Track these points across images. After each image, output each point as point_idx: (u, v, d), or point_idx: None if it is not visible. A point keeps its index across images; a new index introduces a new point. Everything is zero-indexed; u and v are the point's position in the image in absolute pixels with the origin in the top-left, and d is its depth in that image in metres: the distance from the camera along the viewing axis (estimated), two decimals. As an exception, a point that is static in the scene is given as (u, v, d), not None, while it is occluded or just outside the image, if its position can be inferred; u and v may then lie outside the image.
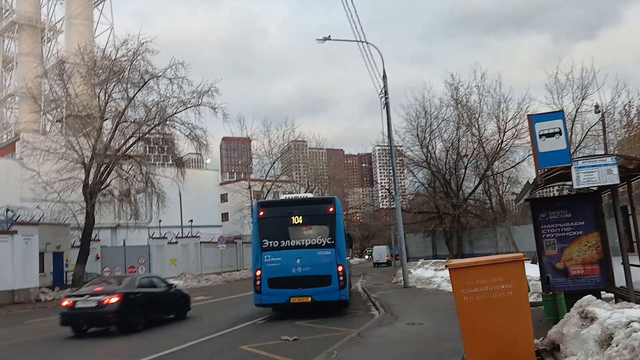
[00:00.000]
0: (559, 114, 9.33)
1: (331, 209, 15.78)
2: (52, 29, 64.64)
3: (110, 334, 13.87)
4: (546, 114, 9.88)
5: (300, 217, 15.76)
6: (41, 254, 28.37)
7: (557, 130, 8.70)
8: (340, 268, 15.05)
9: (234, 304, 20.23)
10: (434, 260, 32.90)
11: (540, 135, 8.79)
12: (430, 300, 17.31)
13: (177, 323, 15.59)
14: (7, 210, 26.97)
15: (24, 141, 33.44)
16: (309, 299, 14.95)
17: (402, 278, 25.05)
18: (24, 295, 25.73)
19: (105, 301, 13.46)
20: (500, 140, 36.23)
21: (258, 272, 15.29)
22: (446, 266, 7.00)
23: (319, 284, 14.92)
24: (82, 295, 13.99)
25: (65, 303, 13.94)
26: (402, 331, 11.17)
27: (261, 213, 16.01)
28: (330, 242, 15.37)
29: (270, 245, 15.47)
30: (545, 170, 8.82)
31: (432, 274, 25.70)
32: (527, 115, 9.12)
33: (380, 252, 64.04)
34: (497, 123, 36.01)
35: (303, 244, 15.46)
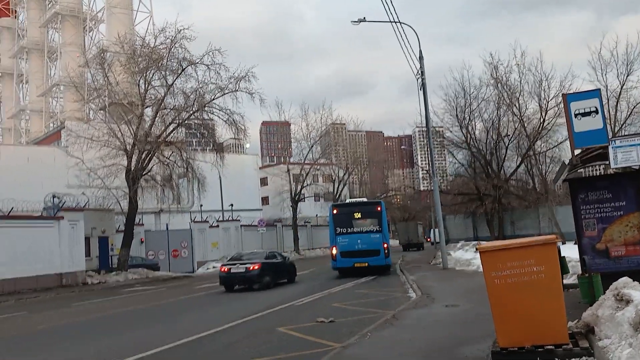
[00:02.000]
0: (595, 93, 9.02)
1: (379, 208, 25.23)
2: (94, 19, 66.07)
3: (247, 290, 19.53)
4: (582, 92, 9.58)
5: (360, 213, 24.99)
6: (87, 239, 29.32)
7: (594, 109, 8.45)
8: (385, 245, 24.12)
9: (272, 286, 20.50)
10: (474, 242, 32.49)
11: (576, 115, 8.56)
12: (468, 282, 17.16)
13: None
14: (54, 196, 27.82)
15: (68, 129, 34.45)
16: (366, 264, 23.60)
17: (441, 260, 24.92)
18: (72, 279, 26.69)
19: (251, 268, 19.77)
20: (542, 119, 35.39)
21: (334, 249, 24.35)
22: (477, 249, 6.93)
23: (372, 255, 23.79)
24: (234, 264, 20.20)
25: (223, 269, 20.36)
26: (437, 313, 11.14)
27: (335, 211, 25.47)
28: (378, 229, 24.38)
29: (341, 231, 24.49)
30: (582, 150, 8.58)
31: (472, 256, 25.38)
32: (562, 94, 8.90)
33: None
34: (539, 102, 35.16)
35: (361, 230, 24.45)
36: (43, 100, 68.52)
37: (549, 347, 6.34)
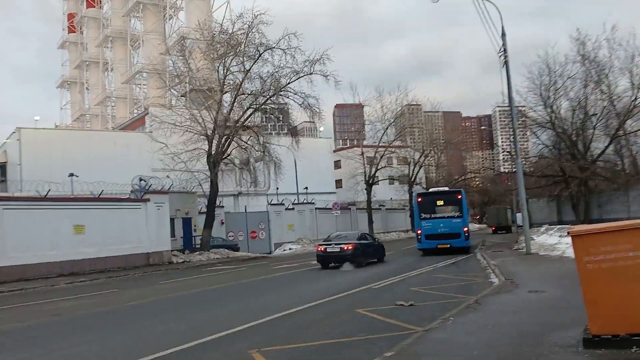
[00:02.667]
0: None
1: (459, 196, 27.89)
2: (173, 7, 68.12)
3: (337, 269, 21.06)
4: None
5: (442, 201, 27.89)
6: (172, 220, 30.53)
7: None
8: (465, 228, 26.99)
9: (348, 269, 20.60)
10: (558, 226, 31.13)
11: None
12: (554, 268, 16.51)
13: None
14: (140, 179, 29.06)
15: (152, 115, 35.87)
16: (449, 245, 26.47)
17: (524, 245, 24.09)
18: (158, 258, 27.97)
19: (345, 247, 21.44)
20: (634, 97, 33.27)
21: (419, 231, 27.40)
22: (568, 233, 6.61)
23: (454, 237, 26.65)
24: (330, 244, 22.19)
25: (319, 249, 22.33)
26: (522, 299, 10.78)
27: (419, 199, 28.53)
28: (459, 215, 27.16)
29: (425, 216, 27.38)
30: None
31: (557, 240, 24.40)
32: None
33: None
34: (631, 78, 33.03)
35: (444, 215, 27.24)
36: (127, 87, 71.70)
37: (646, 336, 5.99)
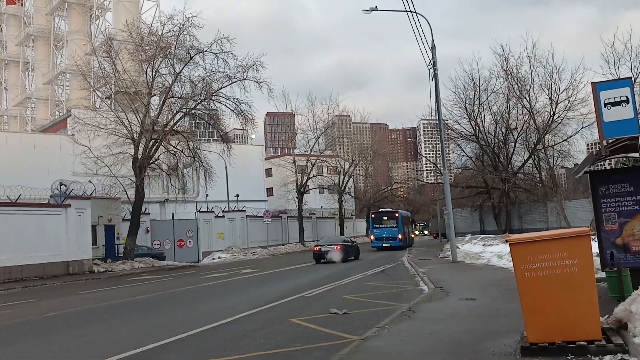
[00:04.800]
0: (626, 81, 8.71)
1: (396, 214, 43.89)
2: (100, 7, 65.81)
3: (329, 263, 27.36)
4: (612, 81, 9.30)
5: (386, 216, 43.57)
6: (93, 227, 29.13)
7: (624, 98, 8.16)
8: (399, 235, 42.30)
9: (280, 278, 20.33)
10: (482, 236, 32.24)
11: (606, 104, 8.27)
12: (481, 276, 16.96)
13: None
14: (61, 184, 27.65)
15: (75, 117, 34.19)
16: (389, 244, 41.32)
17: (449, 253, 24.72)
18: (78, 267, 26.58)
19: (335, 248, 28.69)
20: (552, 113, 35.09)
21: (372, 235, 44.28)
22: (506, 241, 6.68)
23: (393, 240, 41.89)
24: (323, 245, 29.39)
25: (316, 248, 29.54)
26: (455, 306, 10.91)
27: (373, 215, 45.70)
28: (396, 226, 42.65)
29: (375, 226, 43.64)
30: (611, 141, 8.31)
31: (481, 249, 25.22)
32: (592, 82, 8.56)
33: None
34: (549, 94, 34.89)
35: (386, 226, 42.89)
36: (49, 88, 68.37)
37: (581, 343, 6.12)
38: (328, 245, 29.21)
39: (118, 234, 32.32)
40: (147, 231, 36.21)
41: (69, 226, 26.46)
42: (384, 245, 41.52)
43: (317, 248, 29.36)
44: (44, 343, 9.24)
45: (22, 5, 75.48)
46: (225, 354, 7.77)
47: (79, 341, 9.28)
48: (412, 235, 54.02)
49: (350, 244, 30.92)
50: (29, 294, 18.63)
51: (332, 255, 28.08)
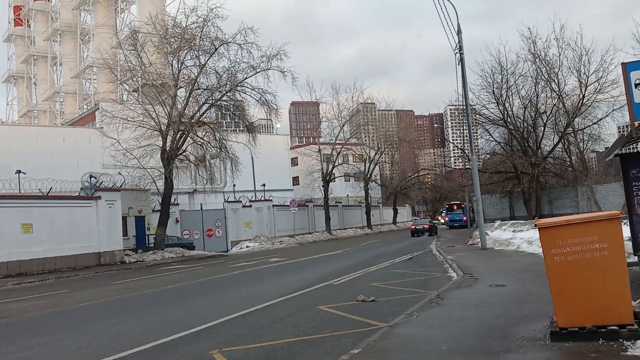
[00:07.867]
0: (658, 60, 8.47)
1: (463, 205, 61.91)
2: (125, 0, 66.35)
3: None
4: (644, 60, 9.03)
5: (455, 206, 64.35)
6: (124, 218, 29.62)
7: (656, 78, 7.93)
8: (464, 217, 59.37)
9: (307, 266, 20.44)
10: (511, 222, 31.84)
11: (637, 85, 8.06)
12: (511, 262, 16.78)
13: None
14: (91, 176, 28.13)
15: (103, 110, 34.82)
16: (458, 224, 59.21)
17: (478, 240, 24.49)
18: (110, 257, 27.12)
19: (425, 226, 44.87)
20: (581, 96, 34.36)
21: (447, 217, 65.23)
22: (535, 225, 6.60)
23: (460, 221, 59.78)
24: (417, 225, 45.86)
25: (412, 227, 45.66)
26: (484, 293, 10.84)
27: (446, 205, 69.00)
28: (462, 212, 61.13)
29: (448, 212, 65.06)
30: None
31: (511, 235, 24.92)
32: (622, 63, 8.34)
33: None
34: (578, 77, 34.14)
35: (456, 212, 62.91)
36: (77, 82, 69.53)
37: (612, 327, 6.03)
38: (420, 225, 45.52)
39: (148, 224, 32.82)
40: (177, 221, 36.72)
41: (100, 218, 26.97)
42: (454, 225, 59.15)
43: (413, 227, 45.31)
44: (79, 333, 9.47)
45: (49, 1, 76.69)
46: (255, 341, 7.88)
47: (113, 330, 9.49)
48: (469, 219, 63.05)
49: (432, 224, 46.28)
50: (63, 285, 19.08)
51: (424, 231, 43.28)
